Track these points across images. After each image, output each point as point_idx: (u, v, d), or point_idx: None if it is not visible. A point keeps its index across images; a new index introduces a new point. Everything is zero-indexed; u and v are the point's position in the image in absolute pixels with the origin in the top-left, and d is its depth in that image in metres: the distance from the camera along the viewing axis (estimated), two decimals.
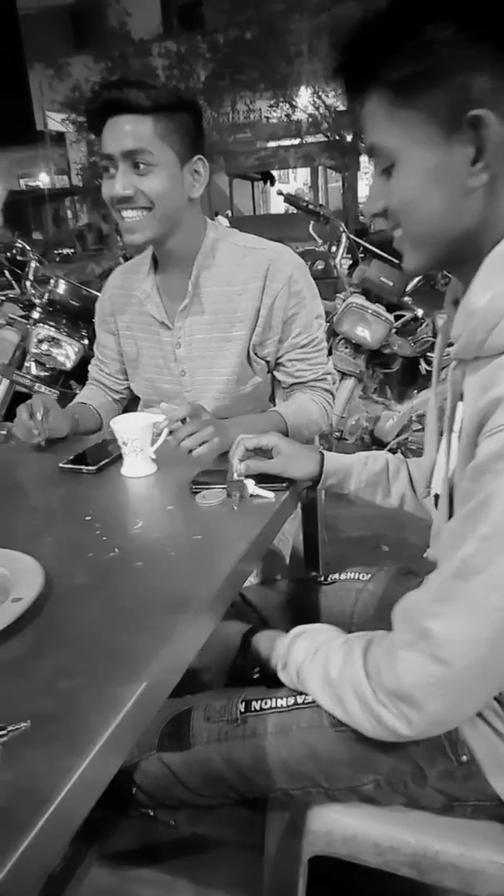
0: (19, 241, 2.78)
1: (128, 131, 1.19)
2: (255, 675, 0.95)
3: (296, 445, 1.12)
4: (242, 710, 0.89)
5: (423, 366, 3.18)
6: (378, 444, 3.11)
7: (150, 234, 1.26)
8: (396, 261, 3.01)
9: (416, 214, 0.73)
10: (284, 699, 0.89)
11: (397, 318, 3.05)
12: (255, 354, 1.39)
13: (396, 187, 0.73)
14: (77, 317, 2.69)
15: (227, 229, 1.41)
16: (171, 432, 1.16)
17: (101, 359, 1.57)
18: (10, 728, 0.57)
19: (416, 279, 3.04)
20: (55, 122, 19.17)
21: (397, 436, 3.08)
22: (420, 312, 3.11)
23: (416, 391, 3.20)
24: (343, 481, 1.12)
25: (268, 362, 1.42)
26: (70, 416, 1.39)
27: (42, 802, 0.50)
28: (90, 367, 1.62)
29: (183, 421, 1.16)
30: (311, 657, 0.84)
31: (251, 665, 0.96)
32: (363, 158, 16.95)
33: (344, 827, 0.87)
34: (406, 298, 3.08)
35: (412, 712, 0.71)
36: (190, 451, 1.14)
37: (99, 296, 1.54)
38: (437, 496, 0.86)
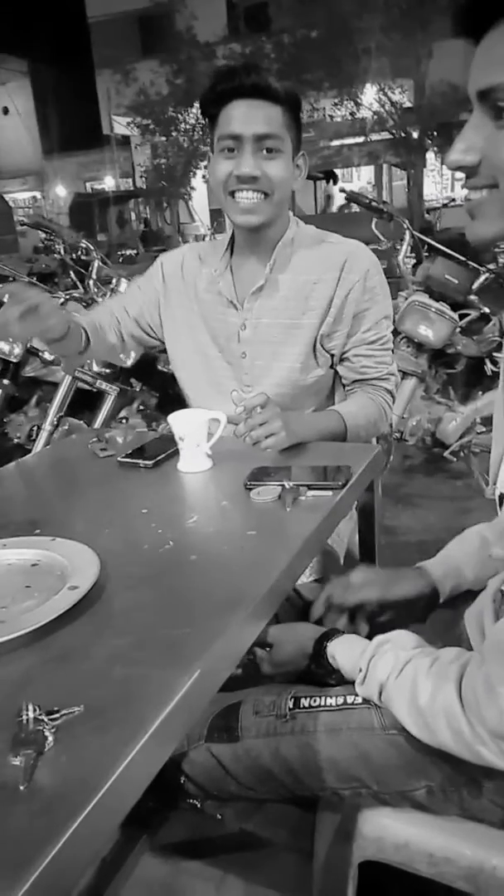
0: (84, 241, 2.85)
1: (262, 116, 1.23)
2: (332, 682, 0.93)
3: (388, 571, 1.07)
4: (291, 706, 0.89)
5: (489, 366, 3.09)
6: (440, 445, 3.04)
7: (265, 218, 1.30)
8: (462, 258, 2.94)
9: None
10: (335, 698, 0.88)
11: (462, 316, 2.97)
12: (322, 346, 1.39)
13: None
14: None
15: (306, 225, 1.44)
16: (229, 422, 1.17)
17: (127, 301, 1.52)
18: (64, 712, 0.58)
19: (483, 277, 2.96)
20: (121, 125, 19.60)
21: (460, 438, 3.01)
22: (487, 311, 3.03)
23: (480, 392, 3.11)
24: (459, 578, 1.05)
25: (332, 355, 1.42)
26: (66, 319, 1.28)
27: (91, 788, 0.50)
28: (108, 300, 1.59)
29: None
30: (395, 675, 0.81)
31: (327, 672, 0.94)
32: (429, 155, 16.64)
33: (396, 833, 0.85)
34: (472, 297, 3.00)
35: None
36: (255, 442, 1.14)
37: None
38: (502, 496, 0.84)
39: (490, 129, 0.65)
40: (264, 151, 1.25)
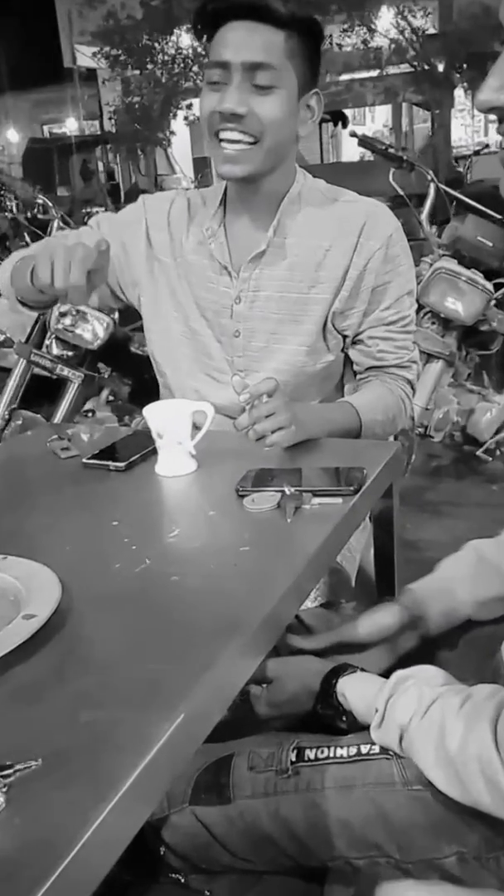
0: (41, 196, 2.85)
1: (257, 42, 1.23)
2: (342, 726, 0.93)
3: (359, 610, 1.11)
4: (294, 759, 0.89)
5: None
6: (471, 442, 3.05)
7: (253, 169, 1.29)
8: (498, 216, 2.95)
9: None
10: (346, 748, 0.88)
11: (497, 287, 2.98)
12: (333, 325, 1.40)
13: None
14: None
15: (315, 178, 1.44)
16: (218, 412, 1.17)
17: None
18: (18, 767, 0.58)
19: None
20: (85, 57, 19.53)
21: (495, 434, 3.02)
22: None
23: None
24: (452, 601, 1.07)
25: (345, 337, 1.42)
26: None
27: (53, 858, 0.50)
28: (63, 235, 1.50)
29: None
30: (419, 717, 0.81)
31: (336, 714, 0.94)
32: (458, 92, 16.68)
33: None
34: None
35: None
36: (260, 437, 1.13)
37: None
38: None
39: None
40: (256, 85, 1.24)
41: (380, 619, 1.05)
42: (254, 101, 1.24)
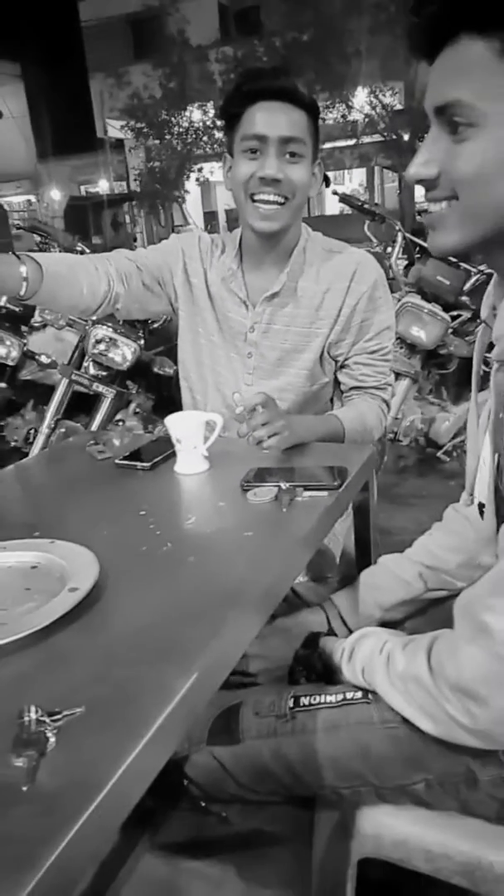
0: (79, 244, 2.85)
1: (290, 119, 1.24)
2: (317, 665, 0.97)
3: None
4: (292, 705, 0.89)
5: (481, 367, 3.10)
6: (433, 446, 3.05)
7: (283, 224, 1.31)
8: (454, 259, 2.95)
9: (486, 188, 0.65)
10: (335, 695, 0.89)
11: (454, 318, 2.98)
12: (328, 353, 1.41)
13: (472, 154, 0.64)
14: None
15: (314, 232, 1.45)
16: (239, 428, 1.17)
17: (140, 260, 1.41)
18: (65, 713, 0.58)
19: (474, 278, 2.97)
20: (115, 129, 19.55)
21: (452, 438, 3.02)
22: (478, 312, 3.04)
23: None
24: (362, 608, 1.12)
25: (336, 362, 1.43)
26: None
27: (93, 788, 0.50)
28: (115, 253, 1.44)
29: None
30: (377, 654, 0.85)
31: (311, 654, 0.97)
32: None
33: (394, 830, 0.86)
34: (463, 298, 3.01)
35: (476, 708, 0.70)
36: (258, 442, 1.14)
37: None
38: (481, 505, 0.84)
39: (447, 142, 0.67)
40: (287, 155, 1.25)
41: (309, 623, 1.10)
42: (288, 168, 1.25)
